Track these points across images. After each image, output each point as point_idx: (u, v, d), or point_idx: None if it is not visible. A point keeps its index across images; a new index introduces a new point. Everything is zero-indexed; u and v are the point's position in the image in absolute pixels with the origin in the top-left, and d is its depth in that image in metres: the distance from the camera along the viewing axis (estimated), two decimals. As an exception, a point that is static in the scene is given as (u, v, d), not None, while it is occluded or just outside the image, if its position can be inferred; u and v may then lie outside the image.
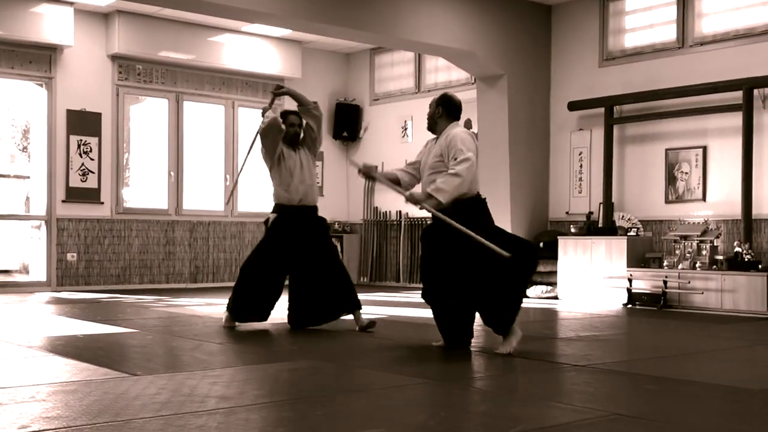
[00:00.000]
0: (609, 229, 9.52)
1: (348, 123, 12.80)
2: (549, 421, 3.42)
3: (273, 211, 6.59)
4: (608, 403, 3.79)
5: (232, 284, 6.51)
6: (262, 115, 6.51)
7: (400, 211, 12.16)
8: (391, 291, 11.11)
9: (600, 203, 9.83)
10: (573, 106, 10.10)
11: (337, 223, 12.79)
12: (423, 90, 11.98)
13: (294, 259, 6.46)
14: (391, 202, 12.33)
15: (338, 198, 13.02)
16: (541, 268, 10.08)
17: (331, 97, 12.94)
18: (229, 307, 6.56)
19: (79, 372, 4.42)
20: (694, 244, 8.76)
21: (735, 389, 4.18)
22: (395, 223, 12.28)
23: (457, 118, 5.54)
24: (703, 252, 8.69)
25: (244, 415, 3.41)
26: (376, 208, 12.56)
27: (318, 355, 5.10)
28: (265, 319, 6.56)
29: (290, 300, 6.56)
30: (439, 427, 3.32)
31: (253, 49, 11.82)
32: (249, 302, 6.48)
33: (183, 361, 4.89)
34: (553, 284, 9.93)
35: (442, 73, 11.69)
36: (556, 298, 9.80)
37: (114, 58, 10.99)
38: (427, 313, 7.83)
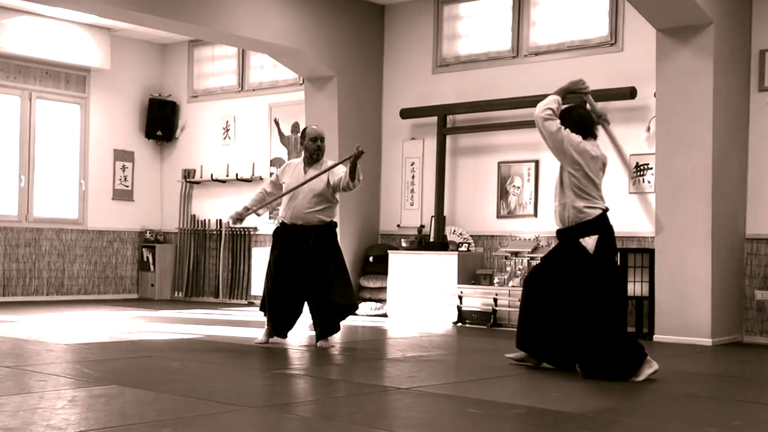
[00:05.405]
0: (440, 243, 9.79)
1: (163, 121, 12.57)
2: (367, 450, 3.51)
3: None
4: (429, 428, 3.92)
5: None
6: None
7: (220, 220, 12.05)
8: (209, 307, 10.98)
9: (432, 216, 10.12)
10: (405, 113, 10.35)
11: (149, 231, 12.54)
12: (247, 89, 11.94)
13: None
14: (211, 210, 12.20)
15: (151, 203, 12.76)
16: (370, 284, 10.26)
17: (144, 91, 12.67)
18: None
19: None
20: (525, 260, 9.17)
21: (554, 412, 4.42)
22: (215, 232, 12.16)
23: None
24: (534, 269, 9.09)
25: (30, 450, 3.31)
26: (194, 215, 12.40)
27: (121, 380, 4.99)
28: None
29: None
30: (250, 458, 3.34)
31: (54, 34, 11.39)
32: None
33: (-38, 389, 4.67)
34: (383, 301, 10.12)
35: (269, 71, 11.69)
36: (385, 315, 9.99)
37: None
38: (246, 333, 7.82)
